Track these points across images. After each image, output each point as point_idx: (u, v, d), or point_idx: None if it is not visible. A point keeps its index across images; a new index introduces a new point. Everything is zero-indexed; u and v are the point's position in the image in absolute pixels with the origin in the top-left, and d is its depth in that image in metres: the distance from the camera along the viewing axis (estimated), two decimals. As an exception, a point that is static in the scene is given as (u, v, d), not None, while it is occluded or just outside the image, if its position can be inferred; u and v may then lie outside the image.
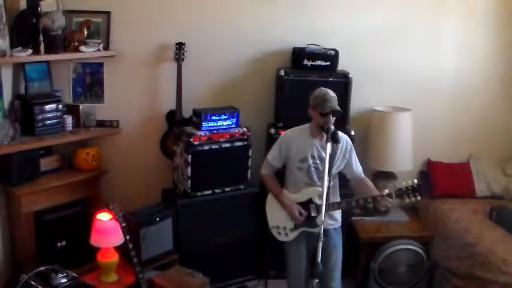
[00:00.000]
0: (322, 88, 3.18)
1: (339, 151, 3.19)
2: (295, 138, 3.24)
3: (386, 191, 3.08)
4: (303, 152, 3.20)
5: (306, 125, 3.26)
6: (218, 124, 3.95)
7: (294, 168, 3.25)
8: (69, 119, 3.95)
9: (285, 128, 3.63)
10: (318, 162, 3.18)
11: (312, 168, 3.20)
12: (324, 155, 2.90)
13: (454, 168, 4.48)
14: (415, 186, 3.03)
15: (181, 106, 4.10)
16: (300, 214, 3.20)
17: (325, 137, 2.99)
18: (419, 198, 3.04)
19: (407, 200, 3.06)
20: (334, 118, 3.08)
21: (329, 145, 2.89)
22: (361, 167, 3.33)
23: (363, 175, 3.33)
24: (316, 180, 3.18)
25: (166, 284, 3.56)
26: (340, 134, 3.14)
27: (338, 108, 3.09)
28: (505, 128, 4.60)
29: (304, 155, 3.20)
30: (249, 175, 4.09)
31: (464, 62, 4.48)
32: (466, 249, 3.68)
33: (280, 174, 3.38)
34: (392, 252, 3.95)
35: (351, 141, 3.30)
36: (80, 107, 4.08)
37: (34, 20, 3.66)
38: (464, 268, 3.64)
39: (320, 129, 3.09)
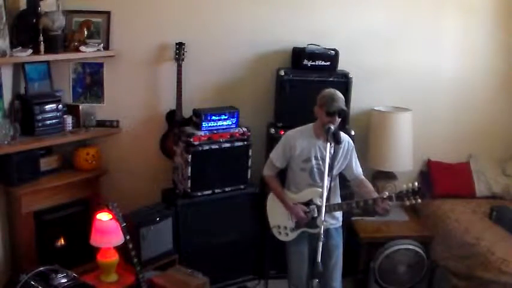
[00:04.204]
0: (331, 89, 3.18)
1: (340, 151, 3.19)
2: (298, 139, 3.23)
3: (387, 193, 3.07)
4: (307, 153, 3.20)
5: (310, 125, 3.25)
6: (218, 124, 3.95)
7: (297, 168, 3.24)
8: (69, 119, 3.95)
9: (285, 128, 3.63)
10: (321, 163, 3.16)
11: (315, 169, 3.19)
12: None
13: (454, 168, 4.48)
14: (416, 189, 3.01)
15: (181, 106, 4.10)
16: (305, 213, 3.19)
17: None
18: (419, 201, 3.02)
19: (407, 203, 3.05)
20: (340, 119, 3.09)
21: (328, 145, 2.89)
22: (360, 169, 3.33)
23: (363, 176, 3.33)
24: (319, 181, 3.17)
25: (166, 284, 3.56)
26: (342, 134, 3.14)
27: (345, 108, 3.10)
28: (505, 128, 4.60)
29: (307, 155, 3.19)
30: (249, 175, 4.08)
31: (464, 61, 4.48)
32: (466, 249, 3.68)
33: (282, 175, 3.37)
34: (392, 252, 3.95)
35: (352, 142, 3.30)
36: (80, 107, 4.09)
37: (34, 20, 3.66)
38: (464, 268, 3.64)
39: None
